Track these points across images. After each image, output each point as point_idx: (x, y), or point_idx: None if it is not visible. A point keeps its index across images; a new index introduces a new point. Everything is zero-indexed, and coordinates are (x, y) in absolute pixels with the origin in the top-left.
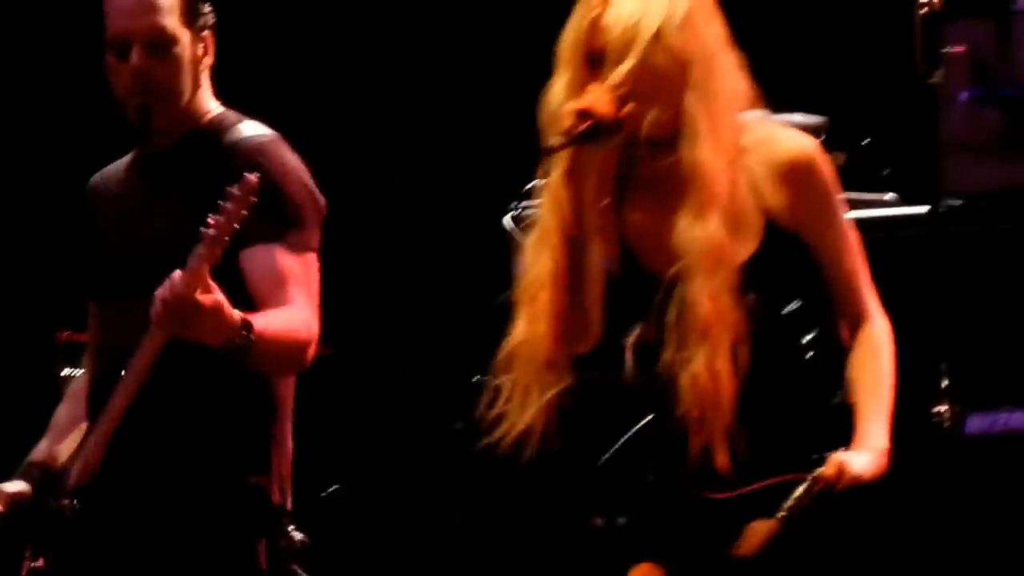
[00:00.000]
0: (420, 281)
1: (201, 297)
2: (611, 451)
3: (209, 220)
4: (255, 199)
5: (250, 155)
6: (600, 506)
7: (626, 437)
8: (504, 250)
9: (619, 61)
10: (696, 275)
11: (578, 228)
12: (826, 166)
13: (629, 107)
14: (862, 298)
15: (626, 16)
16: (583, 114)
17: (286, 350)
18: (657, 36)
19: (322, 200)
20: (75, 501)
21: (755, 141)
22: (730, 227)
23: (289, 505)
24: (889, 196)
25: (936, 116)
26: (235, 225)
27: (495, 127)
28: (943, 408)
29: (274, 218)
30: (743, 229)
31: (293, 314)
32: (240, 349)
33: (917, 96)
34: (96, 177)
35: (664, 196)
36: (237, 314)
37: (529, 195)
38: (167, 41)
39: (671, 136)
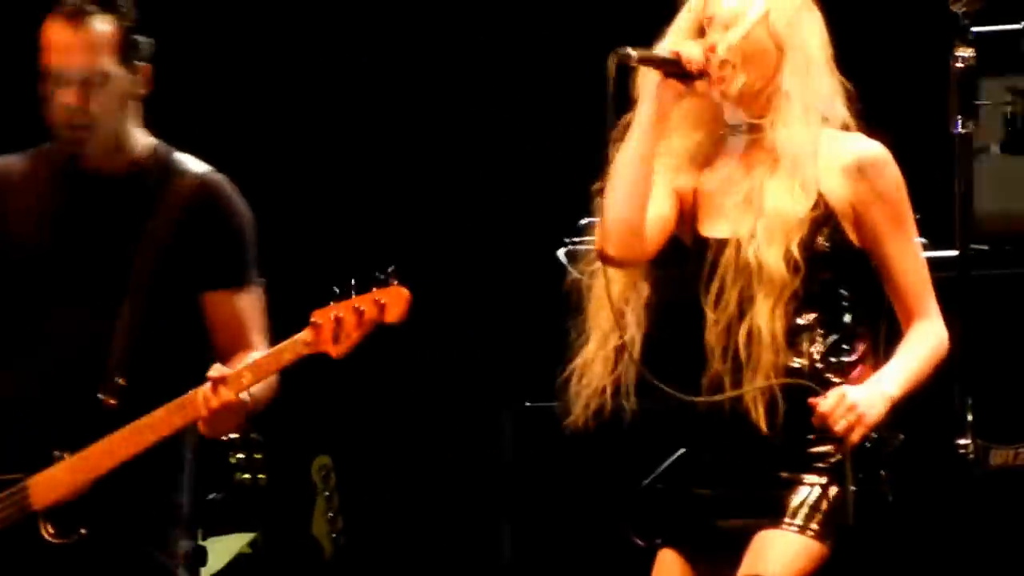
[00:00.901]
0: (476, 314)
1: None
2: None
3: (331, 312)
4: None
5: (200, 197)
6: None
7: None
8: (558, 284)
9: (724, 29)
10: (769, 238)
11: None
12: (896, 168)
13: (719, 63)
14: (923, 303)
15: None
16: (674, 53)
17: (266, 406)
18: (765, 16)
19: (253, 219)
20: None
21: (831, 144)
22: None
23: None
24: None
25: (968, 165)
26: (365, 334)
27: (553, 163)
28: (967, 442)
29: (234, 262)
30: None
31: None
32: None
33: (948, 145)
34: None
35: (739, 171)
36: (245, 399)
37: (584, 231)
38: (101, 79)
39: (758, 113)
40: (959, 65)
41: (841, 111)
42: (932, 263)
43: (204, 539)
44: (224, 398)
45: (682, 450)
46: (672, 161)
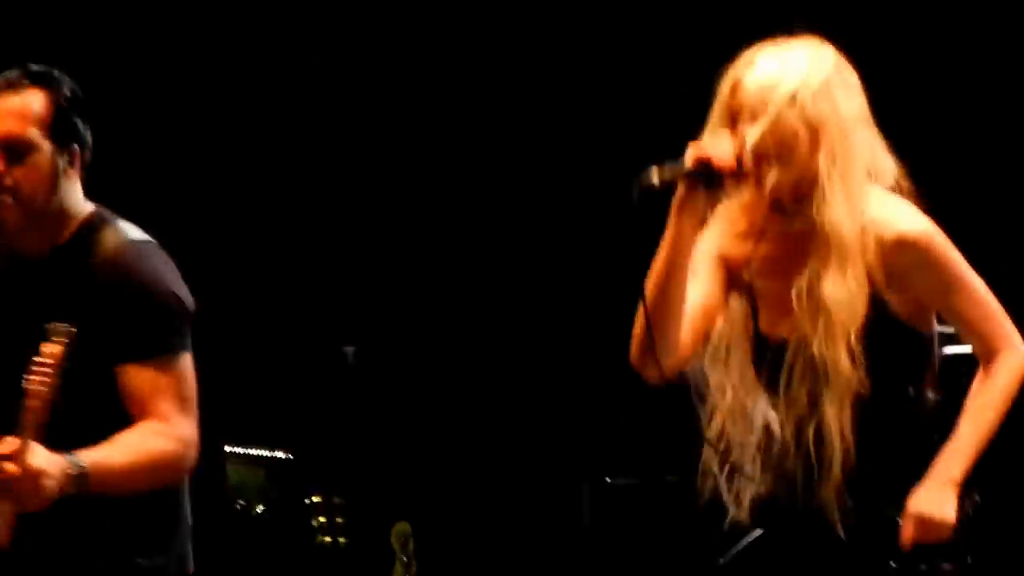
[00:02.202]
0: (560, 386)
1: (31, 467)
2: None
3: (28, 382)
4: (60, 363)
5: (112, 273)
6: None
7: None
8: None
9: (752, 119)
10: (832, 334)
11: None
12: (942, 241)
13: (751, 161)
14: (992, 339)
15: (764, 78)
16: (700, 158)
17: (139, 475)
18: (792, 99)
19: (189, 299)
20: None
21: (878, 217)
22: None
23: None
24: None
25: None
26: (53, 388)
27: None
28: None
29: (142, 335)
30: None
31: (149, 436)
32: (81, 490)
33: None
34: None
35: (791, 263)
36: (64, 461)
37: None
38: (25, 148)
39: (799, 200)
40: None
41: (887, 163)
42: None
43: None
44: (6, 471)
45: (758, 531)
46: (717, 249)
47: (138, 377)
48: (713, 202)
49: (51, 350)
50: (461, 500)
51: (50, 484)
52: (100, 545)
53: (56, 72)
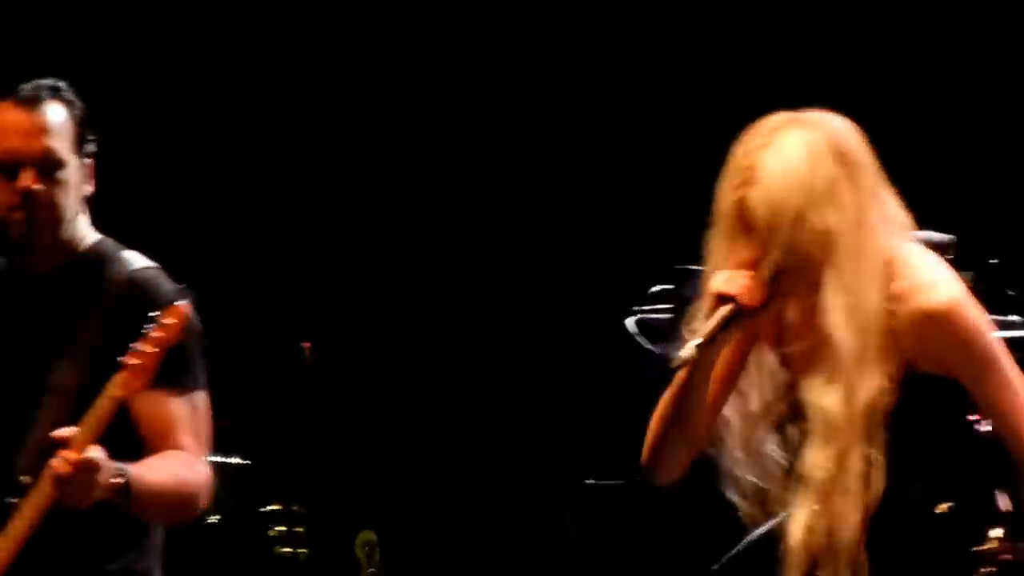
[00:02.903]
0: (542, 380)
1: (93, 457)
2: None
3: (132, 351)
4: (183, 332)
5: (133, 294)
6: None
7: None
8: (626, 351)
9: (766, 246)
10: (816, 439)
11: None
12: (967, 315)
13: (774, 294)
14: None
15: (770, 199)
16: (725, 299)
17: (170, 499)
18: (801, 218)
19: (200, 329)
20: None
21: (902, 291)
22: (865, 381)
23: None
24: (1014, 318)
25: None
26: (158, 359)
27: (629, 229)
28: None
29: (163, 362)
30: (882, 378)
31: (181, 461)
32: (119, 500)
33: None
34: None
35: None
36: (113, 466)
37: (653, 299)
38: (56, 164)
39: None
40: None
41: (898, 215)
42: None
43: None
44: (70, 459)
45: (754, 535)
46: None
47: (160, 404)
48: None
49: (179, 313)
50: (429, 506)
51: (100, 484)
52: (70, 552)
53: (63, 84)
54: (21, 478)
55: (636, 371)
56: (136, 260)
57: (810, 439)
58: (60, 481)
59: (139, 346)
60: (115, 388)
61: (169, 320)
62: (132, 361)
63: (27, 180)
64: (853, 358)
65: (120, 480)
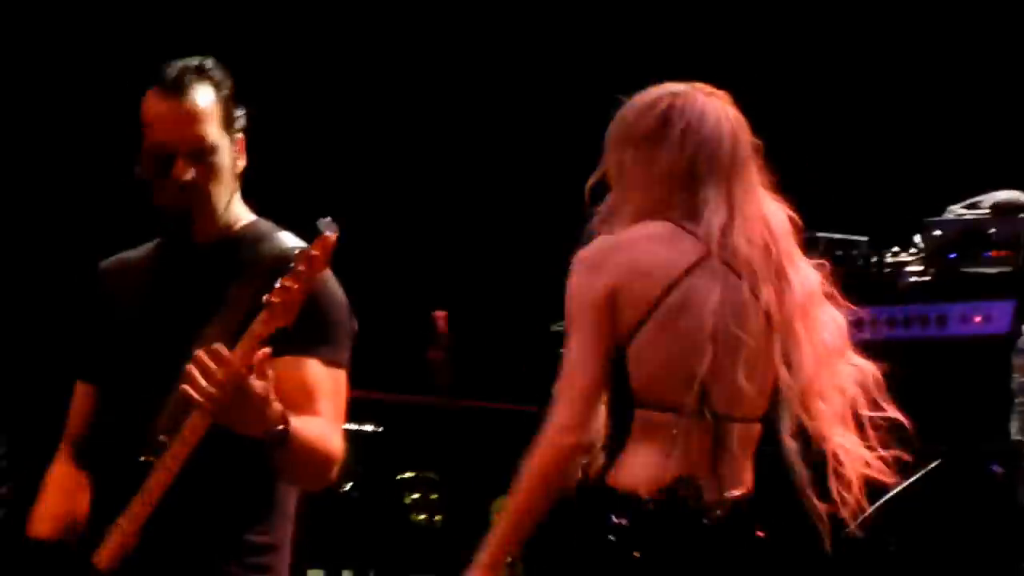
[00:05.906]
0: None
1: (253, 382)
2: None
3: (277, 287)
4: (327, 263)
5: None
6: None
7: None
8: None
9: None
10: None
11: None
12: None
13: None
14: None
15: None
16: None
17: (315, 459)
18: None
19: (355, 323)
20: None
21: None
22: None
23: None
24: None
25: None
26: (304, 293)
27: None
28: None
29: (310, 330)
30: None
31: (325, 426)
32: (275, 444)
33: None
34: (111, 262)
35: None
36: (278, 406)
37: None
38: (209, 150)
39: None
40: None
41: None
42: None
43: None
44: (253, 381)
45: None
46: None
47: (306, 370)
48: None
49: (326, 243)
50: None
51: (269, 416)
52: (208, 522)
53: (209, 61)
54: (160, 437)
55: None
56: (290, 239)
57: None
58: (240, 404)
59: (284, 282)
60: (259, 325)
61: (315, 251)
62: (275, 299)
63: (181, 171)
64: None
65: (281, 423)
